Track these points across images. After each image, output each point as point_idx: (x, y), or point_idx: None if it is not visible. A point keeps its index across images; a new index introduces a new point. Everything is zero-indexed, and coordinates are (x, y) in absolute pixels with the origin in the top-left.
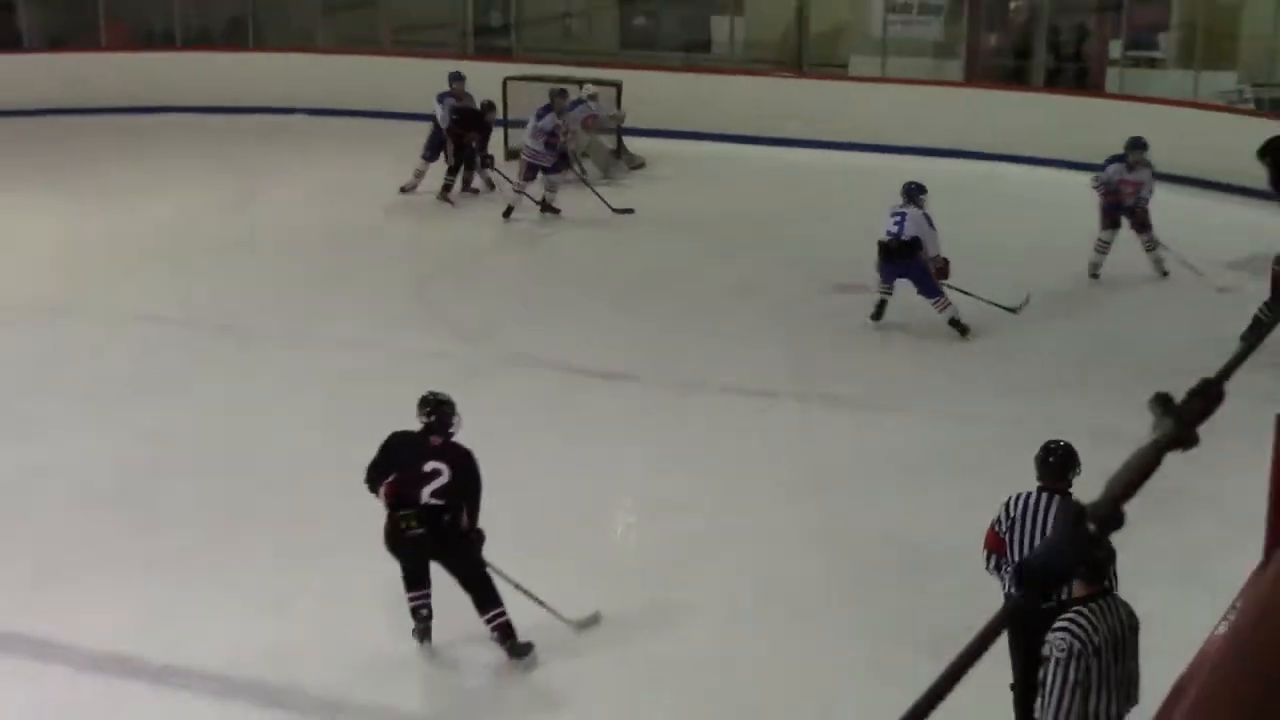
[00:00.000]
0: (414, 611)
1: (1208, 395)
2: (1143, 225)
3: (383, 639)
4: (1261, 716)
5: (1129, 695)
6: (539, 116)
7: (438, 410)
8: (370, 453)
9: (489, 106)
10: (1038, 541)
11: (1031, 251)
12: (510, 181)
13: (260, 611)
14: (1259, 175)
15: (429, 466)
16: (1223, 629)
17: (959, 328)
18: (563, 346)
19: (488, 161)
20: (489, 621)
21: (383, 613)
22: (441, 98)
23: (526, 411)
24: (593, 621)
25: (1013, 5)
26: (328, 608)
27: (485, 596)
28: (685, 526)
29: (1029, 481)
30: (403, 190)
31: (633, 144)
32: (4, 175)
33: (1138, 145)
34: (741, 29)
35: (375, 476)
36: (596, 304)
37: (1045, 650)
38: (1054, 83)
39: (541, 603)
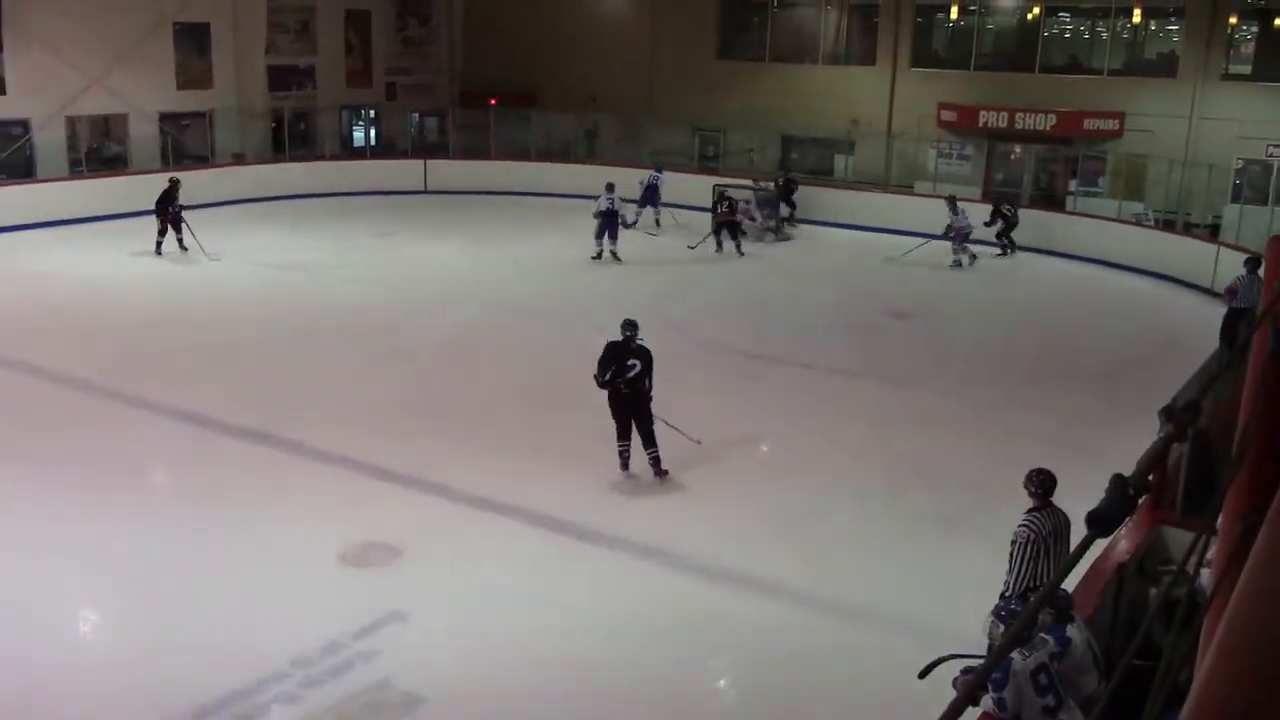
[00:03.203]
0: (620, 454)
1: (1195, 409)
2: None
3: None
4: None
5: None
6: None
7: (633, 328)
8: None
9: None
10: None
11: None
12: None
13: None
14: (1148, 261)
15: (630, 361)
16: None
17: None
18: (731, 338)
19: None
20: (649, 453)
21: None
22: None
23: (710, 372)
24: (698, 442)
25: (1012, 156)
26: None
27: (650, 439)
28: (801, 418)
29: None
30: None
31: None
32: (434, 226)
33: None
34: (851, 162)
35: (602, 368)
36: (749, 317)
37: (1012, 539)
38: (1034, 202)
39: (677, 429)
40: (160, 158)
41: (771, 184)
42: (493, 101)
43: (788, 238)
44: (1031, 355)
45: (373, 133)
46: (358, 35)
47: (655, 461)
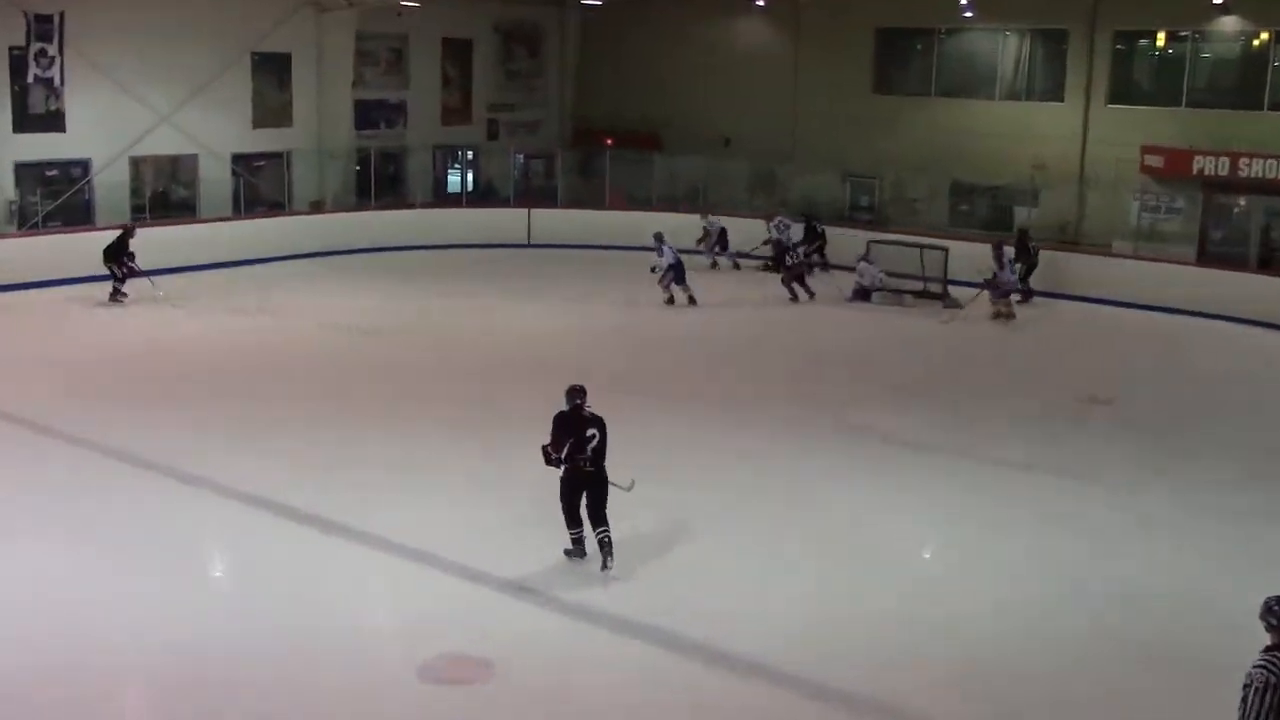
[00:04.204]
0: (576, 542)
1: None
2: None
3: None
4: None
5: None
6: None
7: (582, 394)
8: None
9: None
10: None
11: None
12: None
13: None
14: None
15: (589, 431)
16: None
17: None
18: (881, 421)
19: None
20: (601, 534)
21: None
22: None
23: (853, 462)
24: (631, 485)
25: (1235, 210)
26: None
27: (602, 516)
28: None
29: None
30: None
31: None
32: (536, 283)
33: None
34: (1035, 215)
35: (558, 444)
36: (902, 397)
37: (1246, 680)
38: (1265, 265)
39: (614, 484)
40: (231, 203)
41: (775, 225)
42: (609, 142)
43: (958, 305)
44: (1268, 452)
45: (470, 177)
46: (456, 67)
47: (608, 544)
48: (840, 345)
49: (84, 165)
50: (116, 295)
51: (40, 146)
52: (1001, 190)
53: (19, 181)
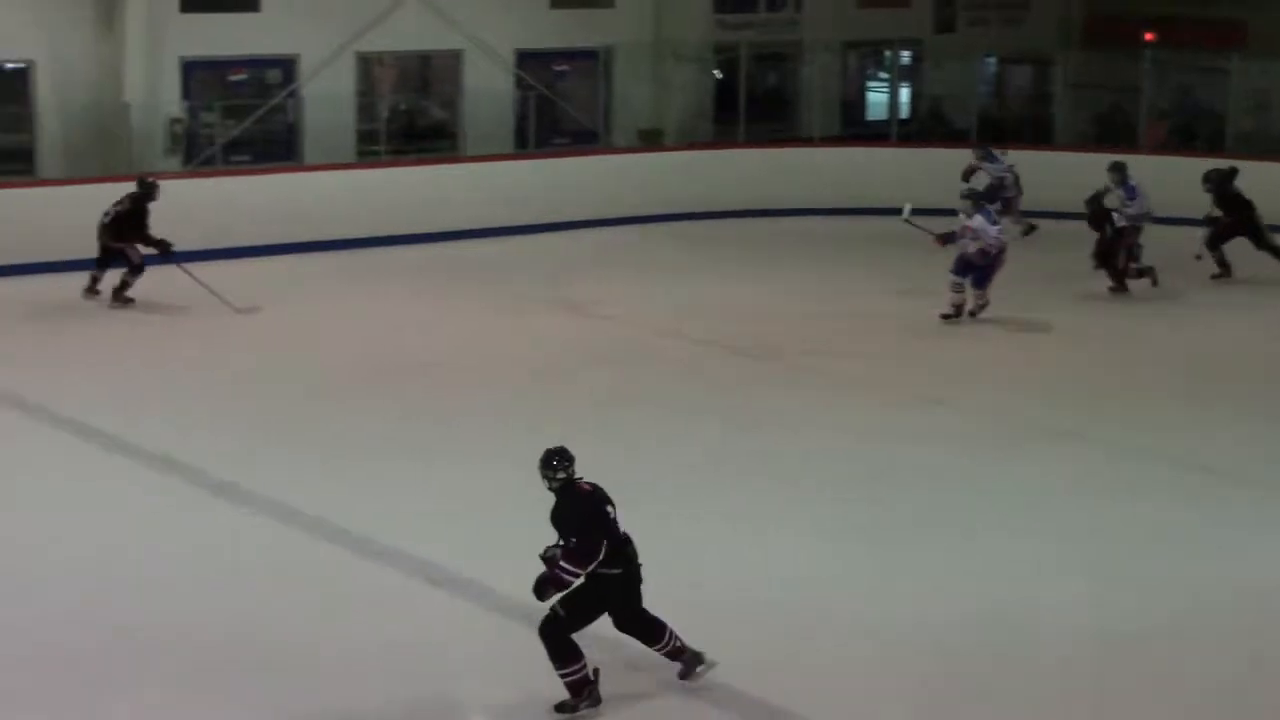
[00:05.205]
0: (589, 677)
1: None
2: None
3: None
4: None
5: None
6: None
7: (569, 462)
8: None
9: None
10: None
11: None
12: None
13: None
14: None
15: (613, 513)
16: None
17: None
18: None
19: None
20: (667, 648)
21: None
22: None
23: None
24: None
25: None
26: None
27: (655, 628)
28: None
29: None
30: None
31: None
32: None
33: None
34: None
35: (598, 545)
36: None
37: None
38: None
39: None
40: (514, 133)
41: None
42: (1148, 38)
43: None
44: None
45: (905, 96)
46: None
47: (682, 652)
48: None
49: (286, 66)
50: (93, 288)
51: (220, 35)
52: None
53: (188, 89)
